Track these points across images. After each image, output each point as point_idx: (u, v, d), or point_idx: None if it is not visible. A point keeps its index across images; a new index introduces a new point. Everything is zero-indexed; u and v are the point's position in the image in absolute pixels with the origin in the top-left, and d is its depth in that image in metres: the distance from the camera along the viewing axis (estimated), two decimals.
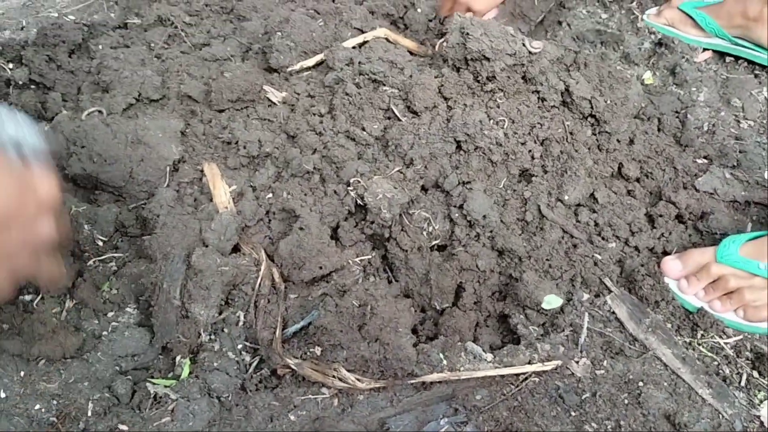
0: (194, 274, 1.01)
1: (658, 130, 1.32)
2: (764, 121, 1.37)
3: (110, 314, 1.04)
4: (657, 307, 1.06)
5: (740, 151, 1.26)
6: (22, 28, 1.52)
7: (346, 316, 1.00)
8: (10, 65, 1.38)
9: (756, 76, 1.48)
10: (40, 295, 1.04)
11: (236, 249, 1.10)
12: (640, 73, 1.49)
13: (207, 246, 1.06)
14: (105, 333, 1.01)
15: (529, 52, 1.14)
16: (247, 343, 1.01)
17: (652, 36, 1.56)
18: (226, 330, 1.02)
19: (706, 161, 1.27)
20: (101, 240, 1.12)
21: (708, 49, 1.54)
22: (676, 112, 1.36)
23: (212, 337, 1.01)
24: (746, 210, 1.19)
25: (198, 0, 1.56)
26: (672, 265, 1.07)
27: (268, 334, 0.99)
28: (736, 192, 1.19)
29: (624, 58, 1.52)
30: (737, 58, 1.52)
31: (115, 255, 1.11)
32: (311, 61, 1.35)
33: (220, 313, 1.02)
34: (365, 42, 1.37)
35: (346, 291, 1.05)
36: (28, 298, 1.04)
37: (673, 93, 1.42)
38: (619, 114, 1.22)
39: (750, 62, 1.51)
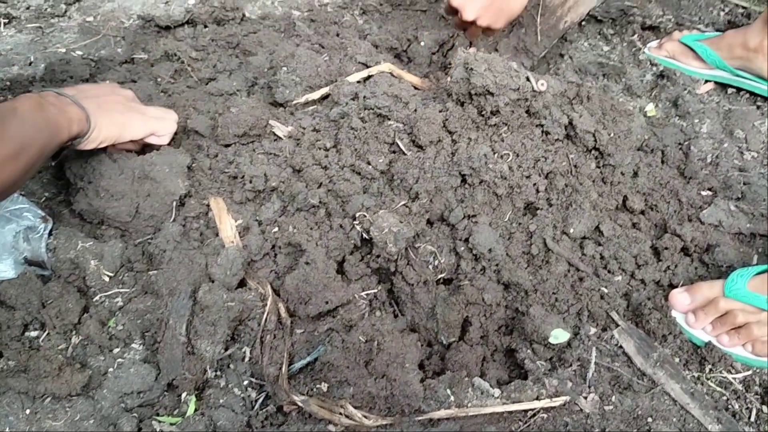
0: (200, 310, 1.01)
1: (662, 162, 1.32)
2: (767, 153, 1.37)
3: (116, 350, 1.04)
4: (664, 341, 1.05)
5: (744, 183, 1.27)
6: (30, 64, 1.54)
7: (352, 352, 0.99)
8: None
9: (758, 107, 1.48)
10: (46, 332, 1.04)
11: (242, 284, 1.11)
12: (643, 105, 1.50)
13: (213, 281, 1.06)
14: (111, 369, 1.01)
15: (534, 90, 1.15)
16: (253, 380, 1.01)
17: (654, 68, 1.58)
18: (232, 366, 1.02)
19: (710, 193, 1.27)
20: (107, 275, 1.11)
21: (710, 81, 1.55)
22: (680, 144, 1.36)
23: (218, 373, 1.01)
24: (752, 242, 1.19)
25: (204, 35, 1.58)
26: (680, 299, 1.07)
27: (274, 370, 0.99)
28: (741, 224, 1.19)
29: (626, 90, 1.53)
30: (739, 89, 1.53)
31: (121, 290, 1.11)
32: (316, 95, 1.36)
33: (226, 349, 1.02)
34: (370, 76, 1.39)
35: (352, 326, 1.05)
36: (33, 334, 1.04)
37: (675, 125, 1.43)
38: (623, 147, 1.23)
39: (752, 93, 1.51)
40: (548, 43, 1.60)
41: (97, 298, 1.09)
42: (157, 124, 1.22)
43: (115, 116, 1.14)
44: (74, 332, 1.05)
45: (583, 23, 1.73)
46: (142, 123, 1.19)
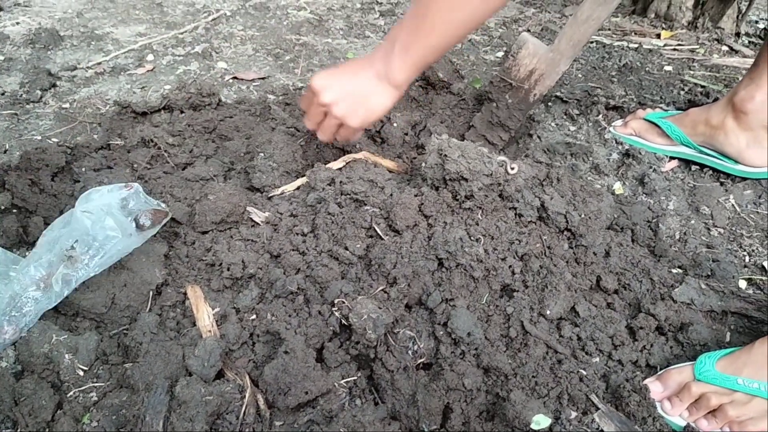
0: (178, 405, 0.99)
1: (632, 240, 1.35)
2: (733, 228, 1.41)
3: None
4: (645, 424, 1.05)
5: (713, 260, 1.30)
6: (5, 152, 1.54)
7: None
8: None
9: (722, 183, 1.53)
10: (19, 431, 1.01)
11: (220, 374, 1.09)
12: (610, 183, 1.54)
13: (191, 374, 1.04)
14: None
15: (506, 172, 1.19)
16: None
17: (620, 147, 1.63)
18: None
19: (680, 271, 1.30)
20: (82, 369, 1.09)
21: (674, 158, 1.61)
22: (648, 221, 1.40)
23: None
24: (724, 320, 1.21)
25: (181, 120, 1.60)
26: (653, 388, 1.07)
27: None
28: (713, 302, 1.22)
29: (594, 169, 1.58)
30: (702, 166, 1.59)
31: (96, 385, 1.08)
32: (293, 186, 1.38)
33: None
34: (346, 163, 1.41)
35: (332, 417, 1.04)
36: None
37: (643, 202, 1.47)
38: (594, 227, 1.26)
39: (714, 170, 1.57)
40: (521, 115, 1.64)
41: (71, 393, 1.07)
42: None
43: None
44: (47, 430, 1.02)
45: (550, 104, 1.79)
46: None
